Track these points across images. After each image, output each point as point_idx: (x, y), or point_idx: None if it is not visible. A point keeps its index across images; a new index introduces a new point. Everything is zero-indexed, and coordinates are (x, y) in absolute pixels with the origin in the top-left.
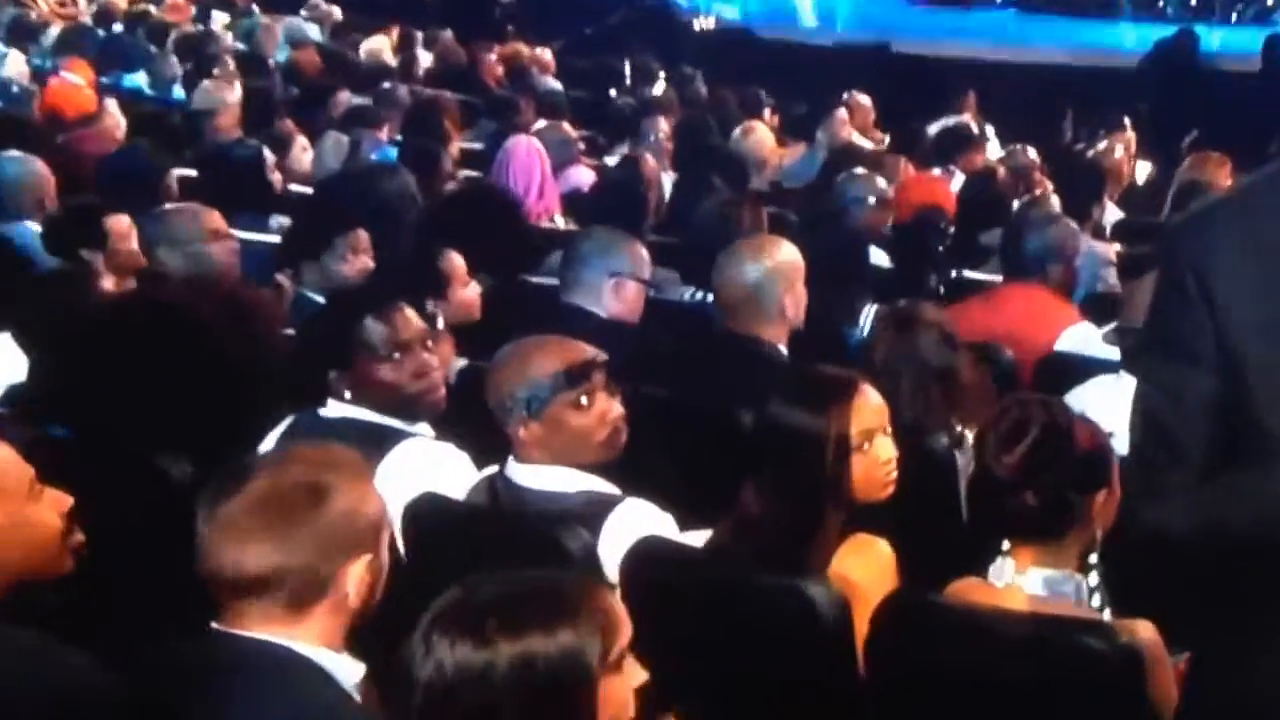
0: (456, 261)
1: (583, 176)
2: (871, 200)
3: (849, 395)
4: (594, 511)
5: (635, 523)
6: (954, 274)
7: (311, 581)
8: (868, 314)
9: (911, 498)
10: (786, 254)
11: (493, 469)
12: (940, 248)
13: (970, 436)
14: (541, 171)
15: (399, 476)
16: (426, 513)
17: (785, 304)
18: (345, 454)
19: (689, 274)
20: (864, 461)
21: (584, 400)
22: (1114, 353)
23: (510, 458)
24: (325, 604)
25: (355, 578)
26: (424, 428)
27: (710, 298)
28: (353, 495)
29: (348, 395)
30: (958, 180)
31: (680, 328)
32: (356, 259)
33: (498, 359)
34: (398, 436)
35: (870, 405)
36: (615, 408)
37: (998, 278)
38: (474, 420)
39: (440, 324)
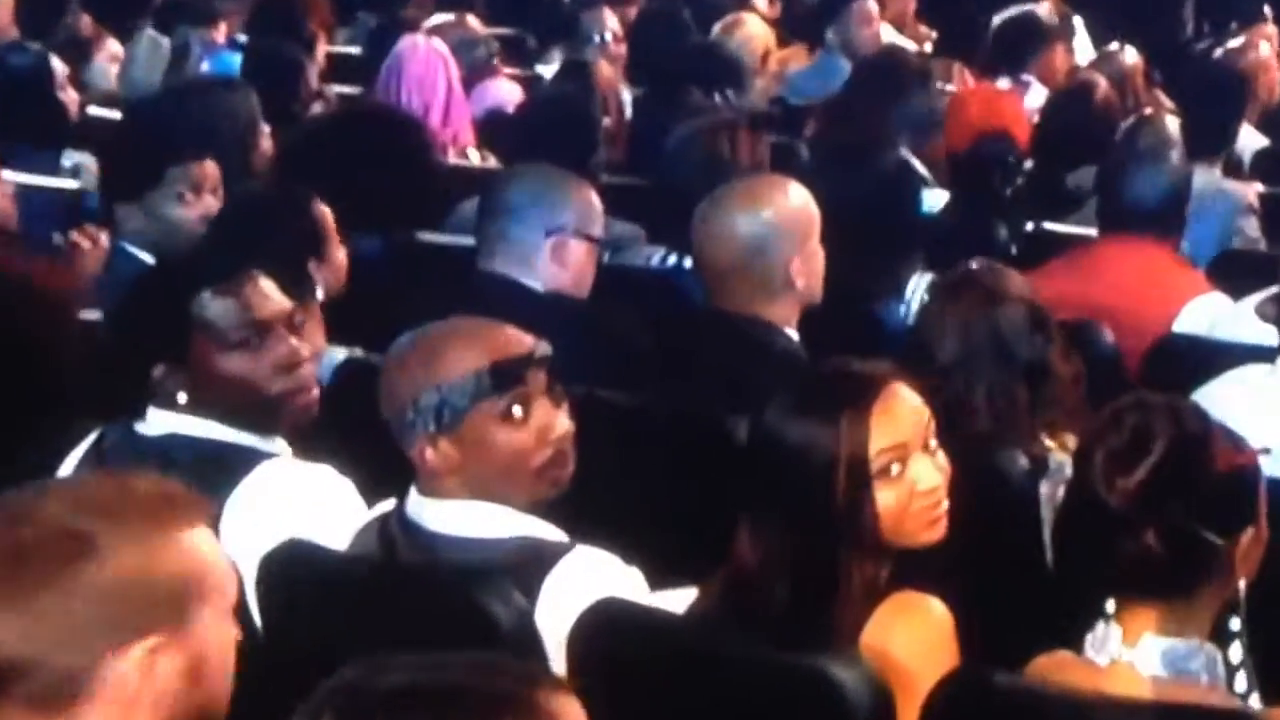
0: (327, 211)
1: (504, 93)
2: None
3: (868, 397)
4: (530, 564)
5: (587, 579)
6: (1029, 226)
7: (62, 676)
8: (916, 284)
9: (975, 539)
10: (795, 200)
11: (387, 505)
12: (1009, 190)
13: (1058, 454)
14: (447, 86)
15: (253, 515)
16: (293, 567)
17: (793, 270)
18: (140, 488)
19: (658, 229)
20: (895, 490)
21: (516, 410)
22: (1263, 334)
23: (412, 489)
24: (91, 708)
25: (137, 670)
26: (284, 446)
27: (689, 262)
28: (133, 551)
29: (180, 400)
30: (1034, 94)
31: (648, 305)
32: (199, 199)
33: (394, 353)
34: (251, 458)
35: (903, 411)
36: (560, 421)
37: (1091, 231)
38: (357, 436)
39: (320, 294)
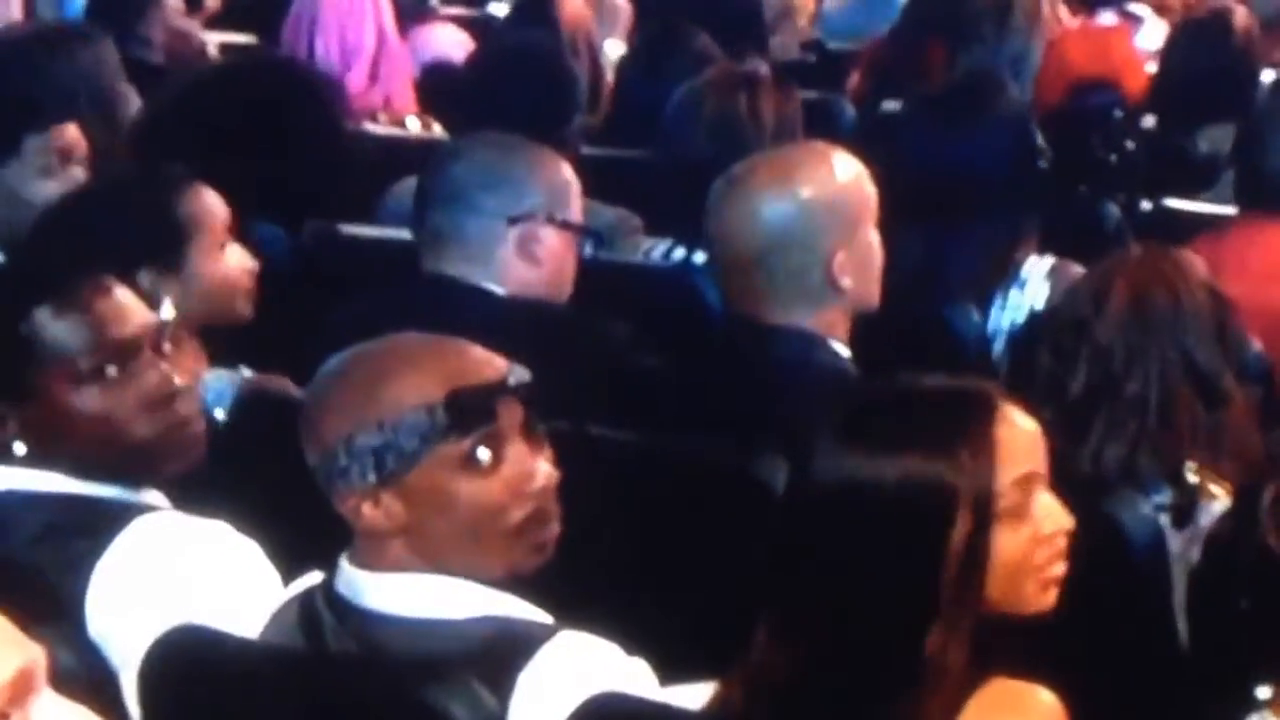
0: (208, 202)
1: (447, 40)
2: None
3: (987, 418)
4: (501, 655)
5: (577, 673)
6: (1145, 203)
7: None
8: (1033, 269)
9: (1082, 607)
10: (842, 175)
11: (311, 578)
12: (1117, 156)
13: (1214, 491)
14: (377, 32)
15: (128, 591)
16: (187, 660)
17: (838, 267)
18: None
19: (659, 216)
20: (1018, 535)
21: (483, 454)
22: None
23: (344, 558)
24: None
25: None
26: (160, 499)
27: (701, 258)
28: None
29: (18, 450)
30: (1148, 31)
31: (648, 314)
32: (65, 172)
33: (322, 380)
34: (121, 514)
35: (1027, 435)
36: (540, 468)
37: (1228, 209)
38: (264, 487)
39: (167, 311)
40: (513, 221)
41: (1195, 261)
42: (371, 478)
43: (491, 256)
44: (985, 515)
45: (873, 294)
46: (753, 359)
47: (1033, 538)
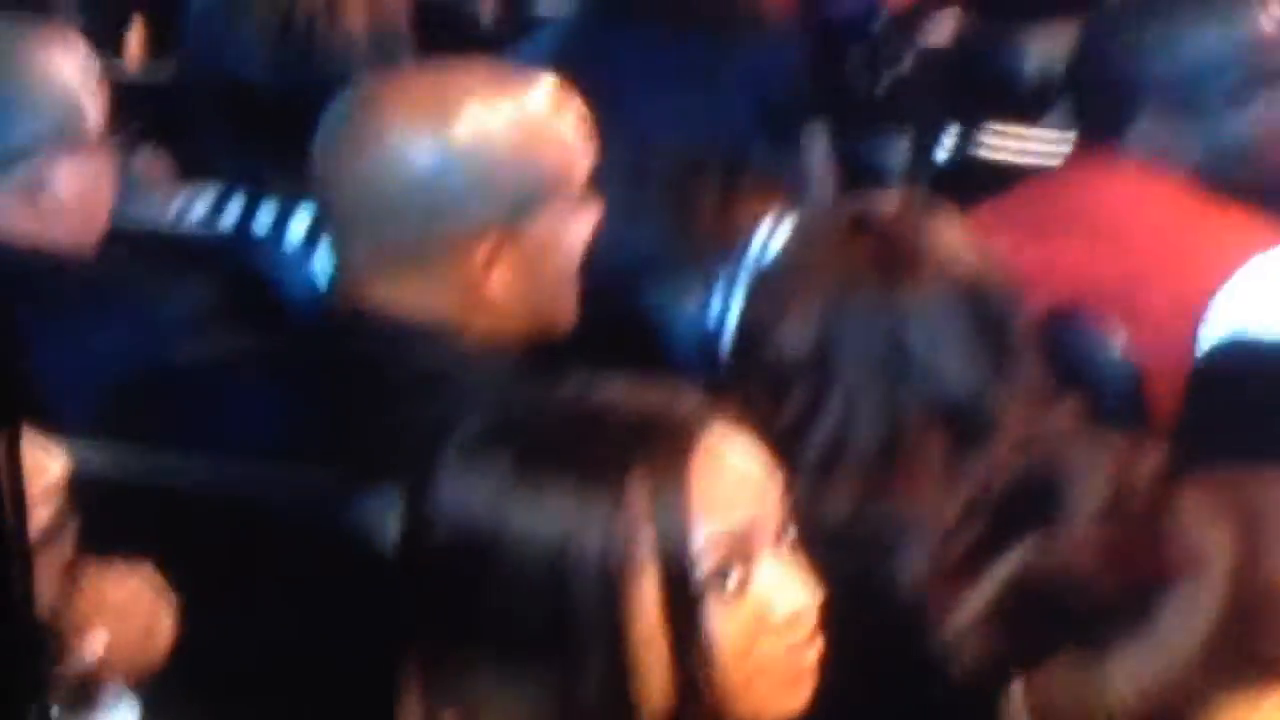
0: None
1: None
2: None
3: (679, 447)
4: None
5: None
6: (947, 141)
7: None
8: (768, 230)
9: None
10: (506, 113)
11: None
12: (888, 77)
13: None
14: None
15: None
16: None
17: (497, 245)
18: None
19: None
20: (733, 622)
21: None
22: None
23: None
24: None
25: None
26: None
27: (304, 225)
28: None
29: None
30: None
31: (209, 299)
32: None
33: None
34: None
35: (740, 474)
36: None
37: (1059, 147)
38: None
39: None
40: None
41: (944, 220)
42: None
43: None
44: (683, 585)
45: (555, 284)
46: (369, 364)
47: (754, 622)
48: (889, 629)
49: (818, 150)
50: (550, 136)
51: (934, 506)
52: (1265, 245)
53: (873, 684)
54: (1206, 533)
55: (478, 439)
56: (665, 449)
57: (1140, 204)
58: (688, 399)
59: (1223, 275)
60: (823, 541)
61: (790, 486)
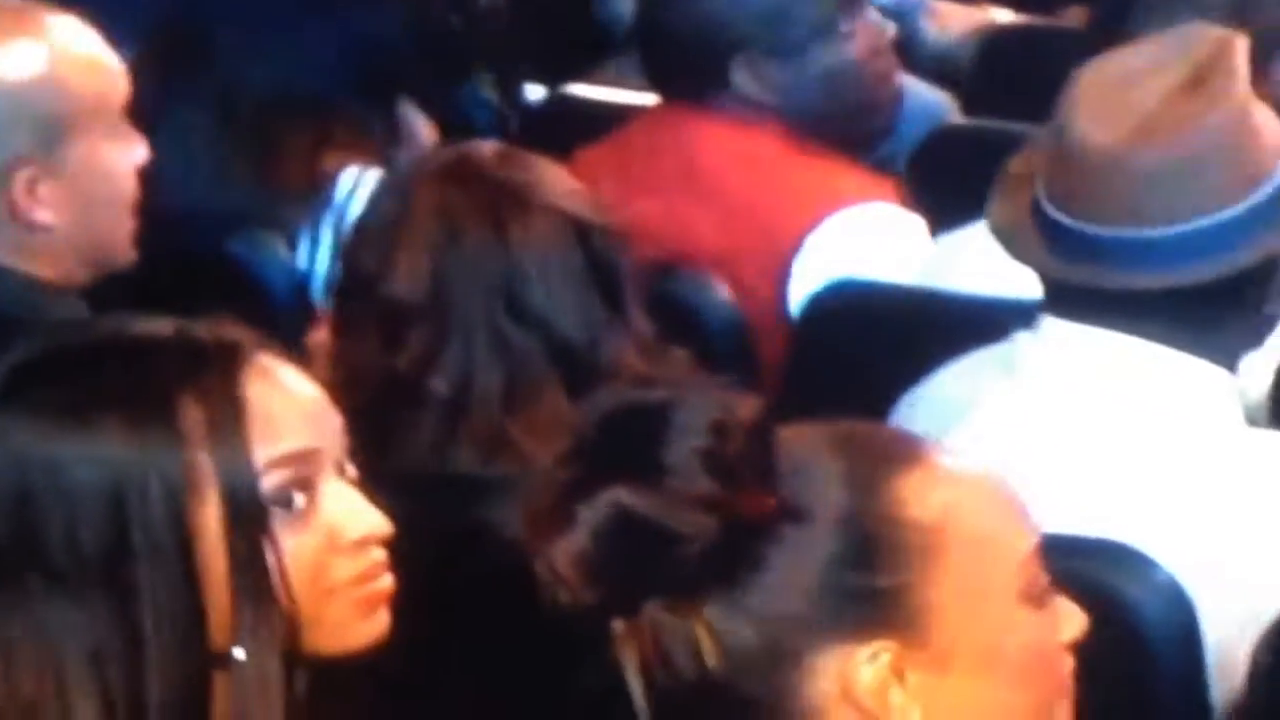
0: None
1: None
2: None
3: (224, 376)
4: None
5: None
6: (535, 86)
7: None
8: (359, 183)
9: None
10: (39, 48)
11: None
12: (467, 20)
13: None
14: None
15: None
16: None
17: (25, 191)
18: None
19: None
20: (304, 544)
21: None
22: (1000, 276)
23: None
24: None
25: None
26: None
27: None
28: None
29: None
30: None
31: None
32: None
33: None
34: None
35: (288, 402)
36: None
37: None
38: None
39: None
40: None
41: (554, 173)
42: None
43: None
44: (244, 506)
45: (104, 215)
46: None
47: (327, 543)
48: (497, 574)
49: (412, 100)
50: (75, 67)
51: (547, 451)
52: (850, 194)
53: (483, 629)
54: (811, 480)
55: (17, 376)
56: (214, 375)
57: (734, 158)
58: (233, 329)
59: (809, 225)
60: (429, 483)
61: (417, 428)
